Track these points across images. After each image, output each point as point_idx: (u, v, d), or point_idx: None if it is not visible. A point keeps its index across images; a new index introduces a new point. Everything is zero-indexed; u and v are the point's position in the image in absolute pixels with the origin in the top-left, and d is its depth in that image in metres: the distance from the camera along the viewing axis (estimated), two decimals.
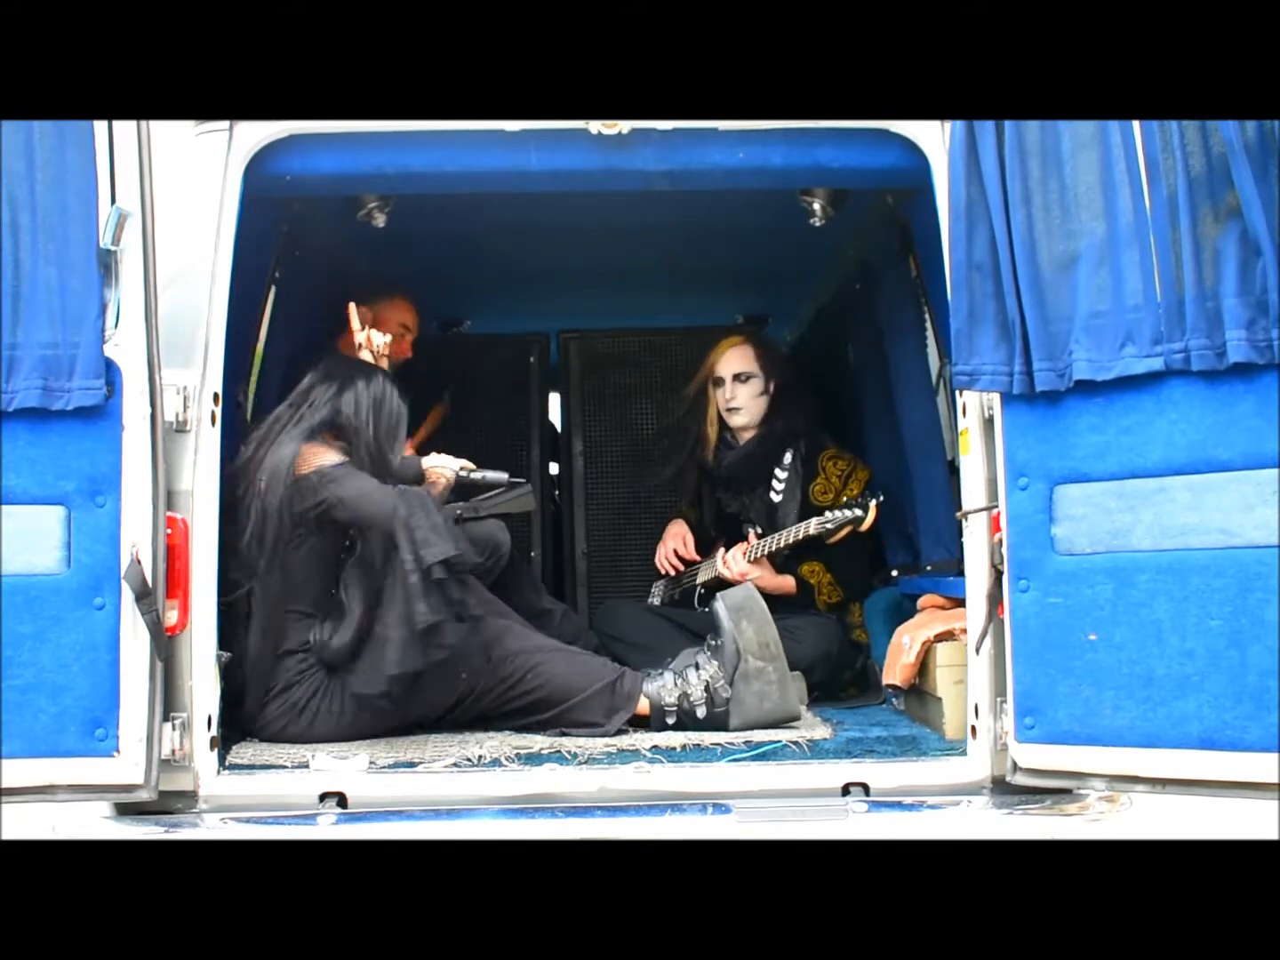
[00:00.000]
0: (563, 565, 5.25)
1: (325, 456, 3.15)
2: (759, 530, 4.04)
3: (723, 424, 4.23)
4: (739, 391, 4.15)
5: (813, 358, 5.06)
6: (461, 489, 3.68)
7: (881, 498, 3.78)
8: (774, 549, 3.94)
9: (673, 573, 4.35)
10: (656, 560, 4.39)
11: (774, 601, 3.41)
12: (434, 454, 3.62)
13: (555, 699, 3.14)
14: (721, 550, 4.05)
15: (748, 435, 4.20)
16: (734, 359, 4.19)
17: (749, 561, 3.97)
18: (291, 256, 3.74)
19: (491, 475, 3.70)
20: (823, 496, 4.07)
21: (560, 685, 3.15)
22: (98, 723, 2.55)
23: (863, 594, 4.15)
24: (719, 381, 4.18)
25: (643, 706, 3.19)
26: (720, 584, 3.93)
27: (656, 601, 4.40)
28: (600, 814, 2.70)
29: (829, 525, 3.78)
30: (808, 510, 4.03)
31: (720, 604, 3.29)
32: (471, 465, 3.64)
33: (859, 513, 3.74)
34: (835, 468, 4.12)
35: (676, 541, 4.34)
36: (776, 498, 4.16)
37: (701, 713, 3.17)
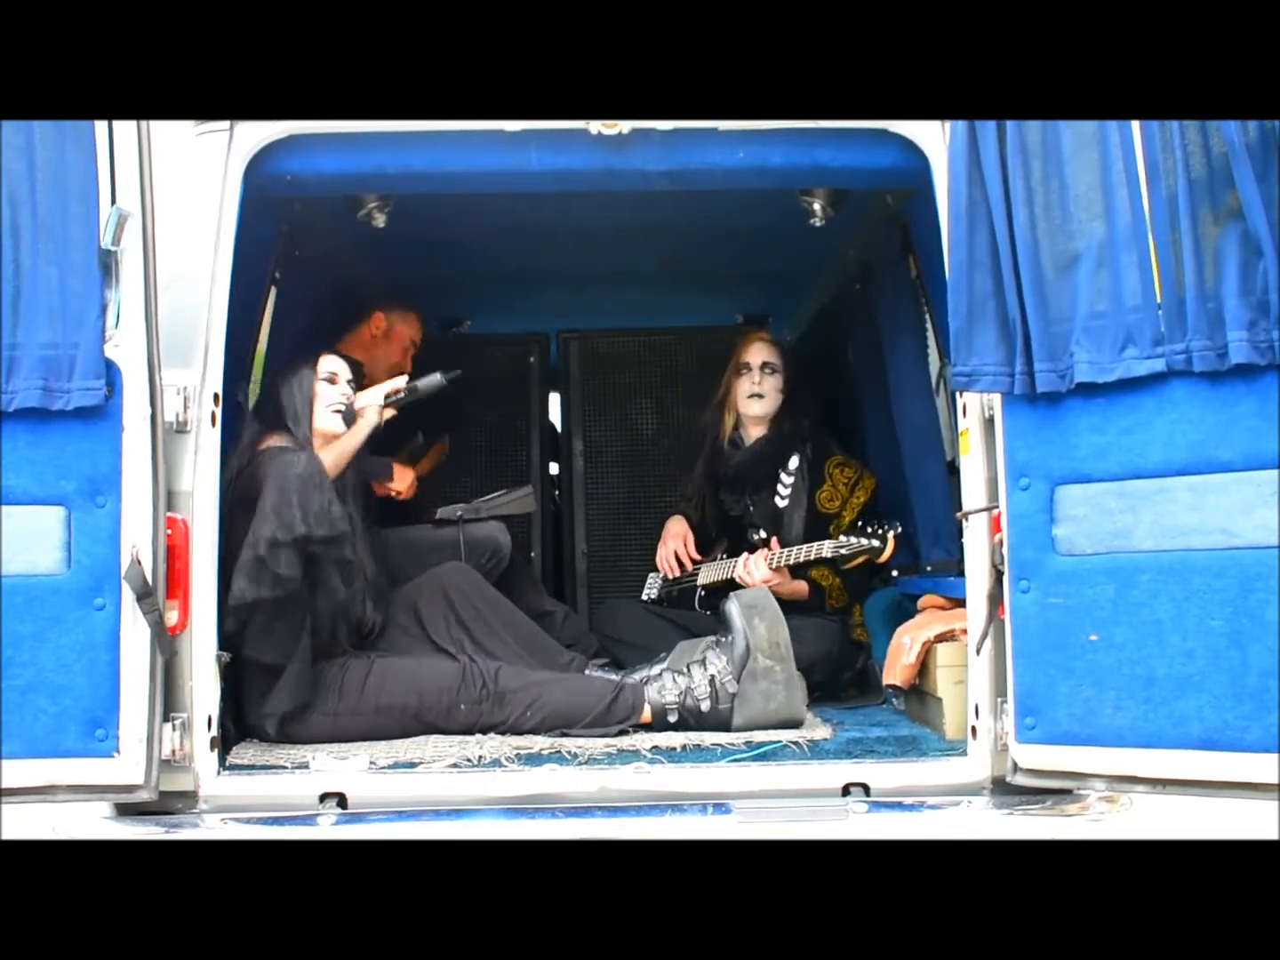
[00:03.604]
0: (563, 565, 5.26)
1: (275, 439, 3.22)
2: (762, 534, 4.03)
3: (735, 420, 4.22)
4: (766, 380, 4.15)
5: (813, 358, 5.04)
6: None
7: (900, 528, 3.74)
8: (791, 562, 3.91)
9: (674, 574, 4.34)
10: (657, 560, 4.39)
11: (780, 603, 3.40)
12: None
13: (559, 728, 3.13)
14: (745, 556, 3.97)
15: (757, 434, 4.20)
16: (762, 349, 4.20)
17: (772, 569, 3.94)
18: (292, 257, 3.74)
19: (424, 382, 3.46)
20: (829, 504, 4.06)
21: (562, 714, 3.14)
22: (98, 723, 2.55)
23: (863, 596, 4.14)
24: (746, 368, 4.17)
25: (645, 714, 3.18)
26: (724, 587, 3.92)
27: (653, 594, 4.37)
28: (600, 814, 2.70)
29: (844, 551, 3.76)
30: (814, 516, 4.02)
31: (733, 602, 3.29)
32: (400, 385, 3.42)
33: (877, 544, 3.70)
34: (842, 475, 4.11)
35: (678, 542, 4.31)
36: (782, 502, 4.14)
37: (705, 707, 3.17)
